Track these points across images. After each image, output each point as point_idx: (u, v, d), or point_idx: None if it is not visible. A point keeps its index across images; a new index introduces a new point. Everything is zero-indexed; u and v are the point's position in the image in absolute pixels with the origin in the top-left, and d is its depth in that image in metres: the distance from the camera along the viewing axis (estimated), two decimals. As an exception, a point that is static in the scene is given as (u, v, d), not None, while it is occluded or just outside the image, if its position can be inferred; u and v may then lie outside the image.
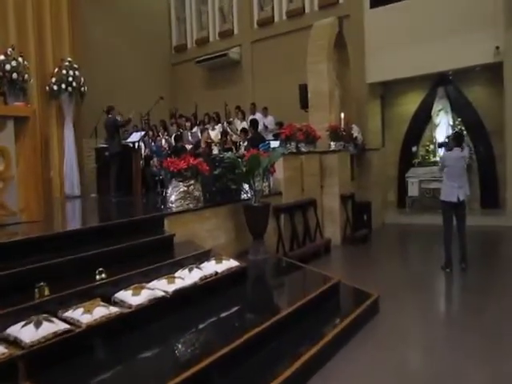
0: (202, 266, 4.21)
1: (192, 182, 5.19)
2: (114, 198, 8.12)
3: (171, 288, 3.65)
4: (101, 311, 3.14)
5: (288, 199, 6.74)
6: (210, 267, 4.21)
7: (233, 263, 4.37)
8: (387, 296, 4.60)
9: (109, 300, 3.42)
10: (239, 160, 5.48)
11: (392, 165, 10.83)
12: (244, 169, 5.38)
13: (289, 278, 4.87)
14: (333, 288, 4.42)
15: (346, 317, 3.95)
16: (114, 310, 3.23)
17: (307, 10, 11.01)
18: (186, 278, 3.89)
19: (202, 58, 12.72)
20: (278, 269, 5.26)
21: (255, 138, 7.43)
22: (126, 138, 9.07)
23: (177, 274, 3.94)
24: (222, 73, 12.71)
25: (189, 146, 8.92)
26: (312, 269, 4.90)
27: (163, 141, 10.00)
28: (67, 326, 2.94)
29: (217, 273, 4.15)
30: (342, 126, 8.48)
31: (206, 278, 4.01)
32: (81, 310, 3.13)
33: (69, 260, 3.68)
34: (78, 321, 3.04)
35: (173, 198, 5.09)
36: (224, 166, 5.69)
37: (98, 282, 3.54)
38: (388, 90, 10.91)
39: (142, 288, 3.53)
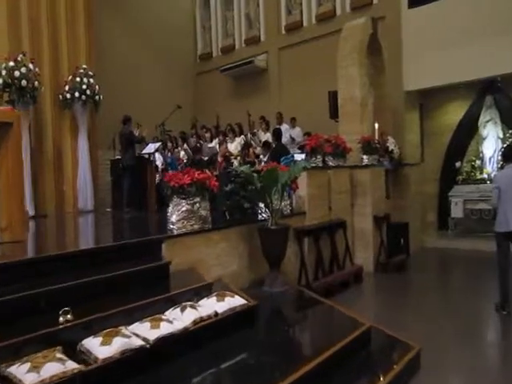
0: (199, 303, 3.43)
1: (197, 199, 4.44)
2: (127, 214, 7.58)
3: (154, 335, 2.88)
4: (53, 368, 2.41)
5: (313, 220, 5.93)
6: (209, 306, 3.41)
7: (238, 301, 3.55)
8: (429, 345, 3.71)
9: (75, 348, 2.71)
10: (254, 175, 4.69)
11: (432, 182, 9.81)
12: (259, 185, 4.59)
13: (308, 321, 4.01)
14: (363, 336, 3.53)
15: (380, 377, 3.06)
16: (71, 366, 2.48)
17: (338, 12, 10.24)
18: (176, 320, 3.11)
19: (226, 67, 12.17)
20: (296, 306, 4.41)
21: (277, 150, 6.64)
22: (143, 149, 8.54)
23: (165, 315, 3.17)
24: (248, 81, 12.12)
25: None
26: (338, 308, 4.01)
27: (182, 153, 9.41)
28: (1, 392, 2.23)
29: (217, 313, 3.34)
30: (376, 137, 7.64)
31: (201, 320, 3.21)
32: (27, 365, 2.41)
33: (30, 295, 2.98)
34: (20, 381, 2.34)
35: (174, 218, 4.35)
36: (237, 182, 4.92)
37: (60, 326, 2.82)
38: (428, 99, 9.91)
39: (117, 334, 2.78)
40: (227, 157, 8.05)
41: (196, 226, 4.45)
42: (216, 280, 4.09)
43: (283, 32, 11.45)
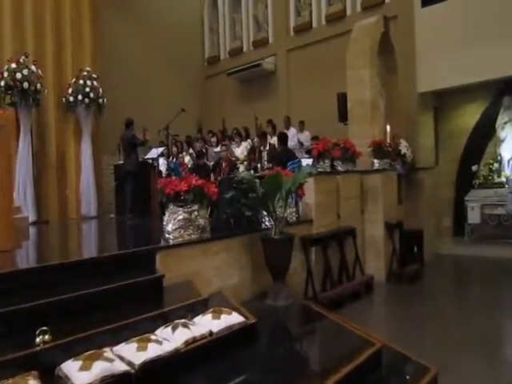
0: (193, 321, 3.15)
1: (195, 207, 4.17)
2: (128, 220, 7.36)
3: (140, 358, 2.59)
4: (23, 399, 2.15)
5: (320, 228, 5.63)
6: (204, 324, 3.13)
7: (236, 318, 3.25)
8: (446, 365, 3.37)
9: (53, 372, 2.46)
10: (256, 181, 4.41)
11: (447, 186, 9.42)
12: (261, 191, 4.31)
13: (314, 340, 3.69)
14: (374, 356, 3.21)
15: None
16: (44, 396, 2.22)
17: (349, 12, 9.96)
18: (167, 340, 2.83)
19: (234, 70, 11.94)
20: (301, 323, 4.10)
21: (282, 154, 6.35)
22: (146, 154, 8.35)
23: (155, 335, 2.90)
24: (256, 85, 11.89)
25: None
26: (347, 325, 3.70)
27: (187, 157, 9.19)
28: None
29: (212, 333, 3.06)
30: (388, 140, 7.29)
31: (194, 340, 2.92)
32: (-6, 395, 2.16)
33: (6, 312, 2.73)
34: (-16, 414, 2.08)
35: (170, 227, 4.08)
36: (239, 188, 4.64)
37: (37, 348, 2.56)
38: (443, 101, 9.54)
39: (98, 357, 2.51)
40: (232, 161, 7.79)
41: (194, 236, 4.18)
42: (214, 294, 3.82)
43: (292, 34, 11.21)
